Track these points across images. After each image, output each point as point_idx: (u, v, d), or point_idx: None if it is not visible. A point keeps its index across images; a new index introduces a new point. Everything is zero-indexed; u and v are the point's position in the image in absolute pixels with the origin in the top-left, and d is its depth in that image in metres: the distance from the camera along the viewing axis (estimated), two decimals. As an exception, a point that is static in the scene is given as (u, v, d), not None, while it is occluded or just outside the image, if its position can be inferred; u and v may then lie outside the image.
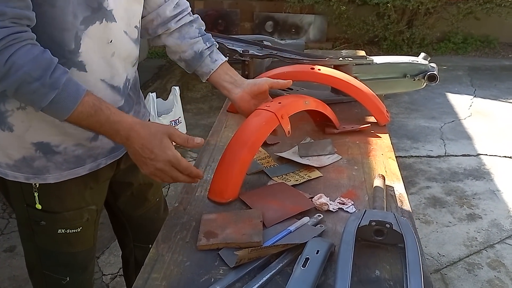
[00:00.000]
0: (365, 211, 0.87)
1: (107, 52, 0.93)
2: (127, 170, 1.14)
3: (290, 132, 1.13)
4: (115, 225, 1.33)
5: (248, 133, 1.06)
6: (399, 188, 1.06)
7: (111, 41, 0.92)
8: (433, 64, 1.53)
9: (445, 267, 2.03)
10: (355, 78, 1.37)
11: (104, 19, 0.89)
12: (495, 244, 2.16)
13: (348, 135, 1.31)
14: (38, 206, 0.99)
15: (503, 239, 2.19)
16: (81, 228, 1.04)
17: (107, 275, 1.99)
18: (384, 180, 1.05)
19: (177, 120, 3.12)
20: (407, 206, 1.00)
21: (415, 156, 2.94)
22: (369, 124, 1.34)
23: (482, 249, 2.13)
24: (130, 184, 1.19)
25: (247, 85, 1.14)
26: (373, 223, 0.83)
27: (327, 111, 1.27)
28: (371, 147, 1.25)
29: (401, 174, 1.13)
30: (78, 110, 0.81)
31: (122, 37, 0.96)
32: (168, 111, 3.06)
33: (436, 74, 1.49)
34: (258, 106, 1.08)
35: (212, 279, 0.80)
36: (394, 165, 1.17)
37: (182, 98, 3.16)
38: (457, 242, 2.18)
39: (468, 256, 2.09)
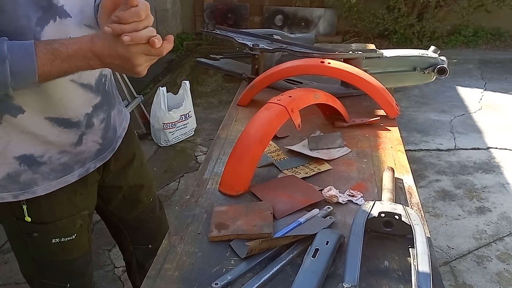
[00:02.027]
0: (374, 203, 0.88)
1: None
2: (115, 174, 1.13)
3: (300, 125, 1.14)
4: (112, 230, 1.32)
5: (259, 127, 1.08)
6: (408, 181, 1.07)
7: (69, 37, 0.85)
8: (443, 57, 1.53)
9: (454, 259, 2.03)
10: (365, 71, 1.37)
11: (57, 16, 0.84)
12: (504, 237, 2.16)
13: (357, 128, 1.31)
14: (28, 219, 0.96)
15: (512, 232, 2.19)
16: (75, 234, 1.03)
17: (118, 267, 2.02)
18: (394, 172, 1.05)
19: (187, 114, 3.14)
20: (416, 198, 1.01)
21: (425, 149, 2.93)
22: (379, 118, 1.34)
23: (492, 242, 2.13)
24: (119, 188, 1.17)
25: None
26: (382, 215, 0.84)
27: (337, 104, 1.27)
28: (381, 140, 1.26)
29: (410, 167, 1.14)
30: (40, 64, 0.75)
31: (81, 31, 0.89)
32: (178, 105, 3.08)
33: (446, 67, 1.49)
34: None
35: (224, 269, 0.81)
36: (403, 158, 1.17)
37: (192, 92, 3.17)
38: (466, 235, 2.17)
39: (477, 249, 2.09)
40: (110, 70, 1.05)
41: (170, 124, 3.05)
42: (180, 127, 3.14)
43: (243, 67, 1.68)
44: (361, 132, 1.30)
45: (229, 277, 0.78)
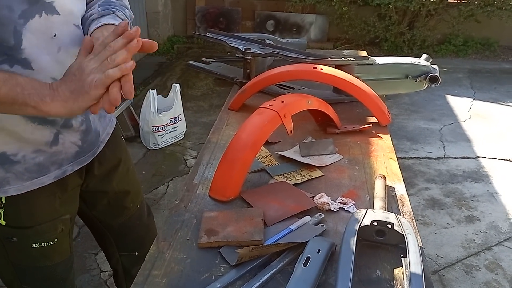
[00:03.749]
0: (366, 211, 0.87)
1: (52, 48, 0.85)
2: (99, 179, 1.10)
3: (292, 131, 1.13)
4: (97, 236, 1.29)
5: (251, 132, 1.06)
6: (400, 189, 1.06)
7: (54, 35, 0.84)
8: (434, 66, 1.53)
9: (443, 268, 2.04)
10: (357, 78, 1.37)
11: (43, 11, 0.82)
12: (493, 246, 2.17)
13: (349, 135, 1.31)
14: (2, 222, 0.93)
15: (501, 241, 2.20)
16: (56, 239, 1.00)
17: (105, 271, 1.99)
18: (386, 180, 1.05)
19: (177, 118, 3.11)
20: (408, 207, 1.00)
21: (414, 157, 2.95)
22: (371, 125, 1.34)
23: (480, 251, 2.13)
24: (105, 193, 1.14)
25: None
26: (375, 223, 0.83)
27: (329, 110, 1.27)
28: (372, 148, 1.25)
29: (402, 175, 1.13)
30: None
31: (69, 31, 0.87)
32: (168, 108, 3.05)
33: (438, 75, 1.50)
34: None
35: (213, 277, 0.80)
36: (395, 166, 1.17)
37: (182, 95, 3.15)
38: (455, 243, 2.18)
39: (466, 258, 2.09)
40: None
41: (159, 127, 3.03)
42: (169, 130, 3.11)
43: (235, 71, 1.67)
44: (353, 139, 1.29)
45: (219, 285, 0.76)
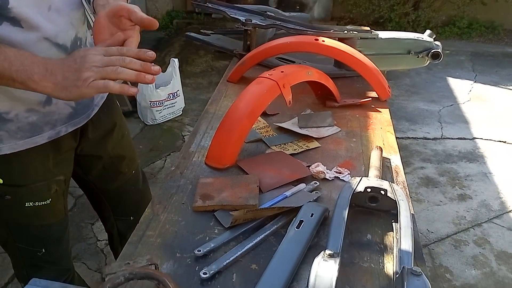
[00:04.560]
0: (361, 179, 0.88)
1: (42, 6, 0.82)
2: (94, 143, 1.11)
3: (291, 102, 1.13)
4: (92, 200, 1.30)
5: (249, 101, 1.06)
6: (396, 160, 1.07)
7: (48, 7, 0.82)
8: (437, 42, 1.52)
9: (433, 243, 2.07)
10: (359, 52, 1.36)
11: None
12: (482, 223, 2.20)
13: (348, 109, 1.31)
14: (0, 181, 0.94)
15: (490, 219, 2.23)
16: (50, 200, 1.01)
17: (101, 240, 2.01)
18: (382, 151, 1.05)
19: (175, 93, 3.10)
20: (402, 177, 1.01)
21: (412, 137, 2.95)
22: (370, 99, 1.34)
23: (470, 227, 2.17)
24: (99, 157, 1.15)
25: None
26: (368, 190, 0.84)
27: (329, 83, 1.26)
28: (371, 121, 1.26)
29: (398, 148, 1.14)
30: None
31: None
32: (166, 84, 3.03)
33: (440, 52, 1.49)
34: (114, 35, 0.82)
35: (207, 238, 0.81)
36: (392, 139, 1.17)
37: (181, 72, 3.13)
38: (446, 220, 2.21)
39: (455, 234, 2.13)
40: (87, 34, 1.01)
41: (157, 102, 3.01)
42: (167, 106, 3.10)
43: (234, 44, 1.65)
44: (351, 112, 1.30)
45: (212, 245, 0.78)
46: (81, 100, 0.90)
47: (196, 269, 0.74)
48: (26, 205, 0.98)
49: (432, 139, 2.95)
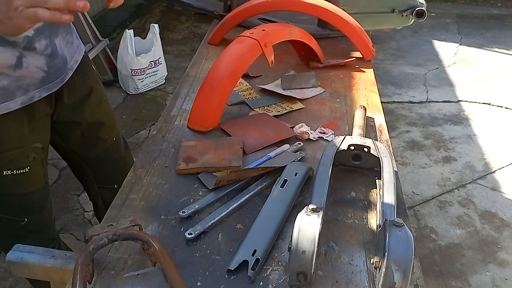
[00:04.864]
0: (344, 137, 0.87)
1: None
2: (70, 109, 1.08)
3: (273, 62, 1.11)
4: (74, 169, 1.28)
5: (230, 61, 1.04)
6: (380, 119, 1.07)
7: None
8: (422, 0, 1.49)
9: (418, 204, 2.11)
10: (343, 10, 1.33)
11: None
12: (467, 184, 2.25)
13: (332, 69, 1.29)
14: None
15: (475, 180, 2.28)
16: (28, 167, 0.99)
17: (88, 211, 2.00)
18: (365, 111, 1.05)
19: (157, 61, 3.02)
20: (386, 136, 1.01)
21: (398, 101, 2.96)
22: (354, 59, 1.32)
23: (454, 189, 2.21)
24: (77, 124, 1.12)
25: None
26: (352, 148, 0.84)
27: (312, 43, 1.24)
28: (355, 81, 1.24)
29: (382, 107, 1.13)
30: None
31: None
32: (147, 51, 2.95)
33: (425, 10, 1.46)
34: None
35: (191, 200, 0.80)
36: (376, 98, 1.17)
37: (162, 39, 3.04)
38: (431, 182, 2.25)
39: (440, 195, 2.17)
40: None
41: (138, 70, 2.94)
42: (149, 74, 3.03)
43: (215, 5, 1.61)
44: (335, 73, 1.28)
45: (197, 206, 0.77)
46: (19, 35, 0.84)
47: (181, 230, 0.74)
48: (4, 174, 0.97)
49: (418, 102, 2.96)
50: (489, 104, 2.94)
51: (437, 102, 2.96)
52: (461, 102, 2.97)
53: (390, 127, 2.66)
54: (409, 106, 2.91)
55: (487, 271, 1.82)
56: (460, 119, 2.77)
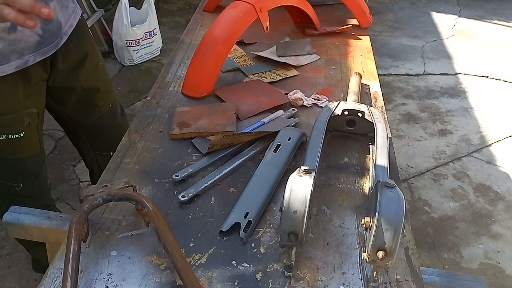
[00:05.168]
0: (339, 103, 0.87)
1: None
2: (66, 74, 1.07)
3: (268, 28, 1.09)
4: (70, 135, 1.28)
5: (224, 26, 1.02)
6: (375, 86, 1.07)
7: None
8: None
9: (412, 177, 2.12)
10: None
11: None
12: (462, 157, 2.25)
13: (328, 37, 1.28)
14: None
15: (470, 153, 2.28)
16: (24, 132, 1.00)
17: (84, 181, 2.01)
18: (361, 78, 1.04)
19: (152, 32, 2.98)
20: (380, 102, 1.01)
21: (394, 74, 2.94)
22: (350, 26, 1.30)
23: (449, 162, 2.22)
24: (73, 90, 1.11)
25: None
26: (346, 113, 0.83)
27: (309, 9, 1.22)
28: (351, 48, 1.23)
29: (378, 74, 1.13)
30: None
31: None
32: (142, 21, 2.90)
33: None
34: None
35: (185, 164, 0.81)
36: (372, 65, 1.16)
37: (158, 10, 2.98)
38: (426, 155, 2.26)
39: (435, 168, 2.18)
40: None
41: (134, 41, 2.90)
42: (145, 46, 2.99)
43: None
44: (331, 40, 1.27)
45: (190, 170, 0.78)
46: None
47: (175, 193, 0.74)
48: (0, 138, 0.97)
49: (415, 75, 2.94)
50: (487, 77, 2.92)
51: (434, 74, 2.94)
52: (459, 75, 2.95)
53: (386, 100, 2.65)
54: (406, 79, 2.89)
55: (480, 243, 1.85)
56: (457, 92, 2.76)
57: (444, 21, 3.65)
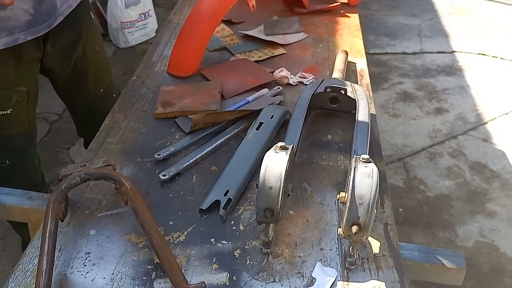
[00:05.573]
0: (322, 80, 0.86)
1: None
2: (58, 54, 1.06)
3: (254, 7, 1.08)
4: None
5: (210, 4, 1.01)
6: (362, 64, 1.06)
7: None
8: None
9: (408, 156, 2.12)
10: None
11: None
12: (458, 135, 2.25)
13: (317, 15, 1.26)
14: None
15: (466, 131, 2.27)
16: (11, 109, 0.99)
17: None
18: (347, 55, 1.03)
19: (147, 13, 2.95)
20: (366, 80, 1.00)
21: (391, 53, 2.90)
22: (339, 3, 1.28)
23: (445, 140, 2.21)
24: (64, 70, 1.11)
25: None
26: (328, 89, 0.83)
27: (296, -14, 1.20)
28: (339, 26, 1.22)
29: (365, 52, 1.12)
30: None
31: None
32: (136, 3, 2.87)
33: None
34: None
35: (168, 143, 0.81)
36: (359, 43, 1.14)
37: (153, -10, 2.95)
38: (422, 133, 2.25)
39: (431, 146, 2.18)
40: None
41: (128, 23, 2.87)
42: (139, 27, 2.96)
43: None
44: (320, 18, 1.25)
45: (172, 149, 0.78)
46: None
47: (156, 172, 0.74)
48: None
49: (411, 53, 2.91)
50: (484, 54, 2.89)
51: (431, 53, 2.91)
52: (456, 52, 2.92)
53: (383, 79, 2.63)
54: (402, 57, 2.86)
55: (475, 221, 1.85)
56: (453, 70, 2.74)
57: (442, -1, 3.60)
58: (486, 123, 2.34)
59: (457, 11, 3.42)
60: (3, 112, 0.98)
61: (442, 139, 2.22)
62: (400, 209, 1.86)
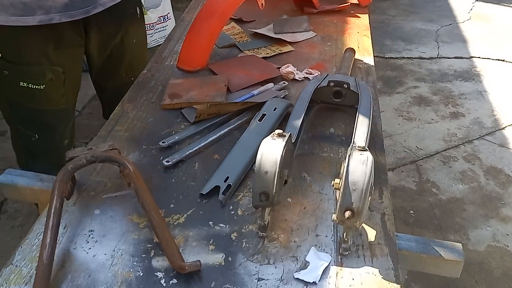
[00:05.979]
0: (327, 75, 0.88)
1: None
2: (95, 42, 1.11)
3: (263, 5, 1.10)
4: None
5: (219, 1, 1.04)
6: (369, 61, 1.06)
7: None
8: None
9: (421, 159, 2.10)
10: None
11: None
12: (474, 140, 2.21)
13: (326, 15, 1.28)
14: None
15: (482, 136, 2.24)
16: (44, 86, 1.03)
17: (96, 160, 2.07)
18: (354, 53, 1.04)
19: (166, 16, 3.02)
20: (372, 76, 1.01)
21: (407, 57, 2.89)
22: (349, 4, 1.30)
23: (460, 144, 2.18)
24: (99, 55, 1.16)
25: None
26: (332, 84, 0.84)
27: (306, -14, 1.22)
28: (348, 26, 1.23)
29: (373, 50, 1.12)
30: None
31: None
32: (156, 6, 2.94)
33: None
34: None
35: (173, 132, 0.83)
36: (367, 42, 1.15)
37: (172, -6, 3.01)
38: (436, 137, 2.22)
39: (445, 150, 2.15)
40: None
41: (148, 25, 2.94)
42: (158, 30, 3.03)
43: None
44: (329, 18, 1.27)
45: (177, 137, 0.80)
46: None
47: (161, 158, 0.77)
48: (21, 85, 1.02)
49: (428, 58, 2.89)
50: (503, 60, 2.85)
51: (448, 58, 2.89)
52: (474, 58, 2.88)
53: (398, 82, 2.62)
54: (419, 62, 2.85)
55: (488, 226, 1.82)
56: (471, 75, 2.71)
57: (461, 5, 3.56)
58: (503, 128, 2.30)
59: (476, 17, 3.38)
60: (36, 87, 1.03)
61: (457, 143, 2.20)
62: (411, 211, 1.84)
